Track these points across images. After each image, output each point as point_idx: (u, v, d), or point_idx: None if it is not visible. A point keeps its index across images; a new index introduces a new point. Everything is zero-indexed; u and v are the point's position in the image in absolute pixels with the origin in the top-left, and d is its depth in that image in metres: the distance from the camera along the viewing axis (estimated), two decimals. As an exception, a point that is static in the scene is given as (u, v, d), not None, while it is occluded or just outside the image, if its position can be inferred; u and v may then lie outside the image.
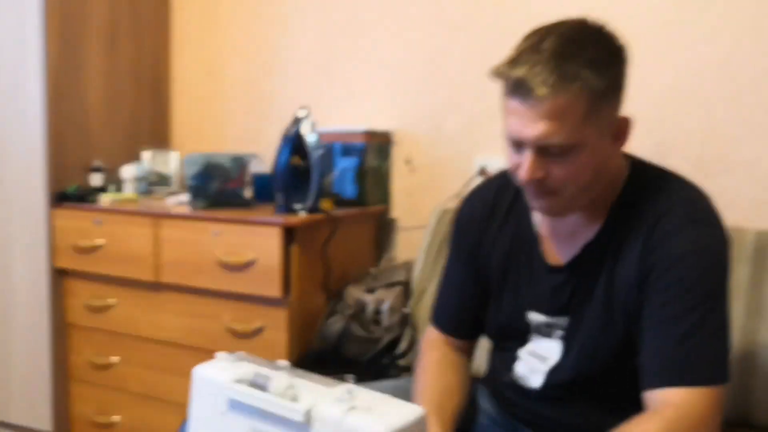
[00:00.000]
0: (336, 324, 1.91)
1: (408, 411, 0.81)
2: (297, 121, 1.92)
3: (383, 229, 2.36)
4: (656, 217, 1.06)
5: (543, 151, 1.01)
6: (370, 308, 1.95)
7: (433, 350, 1.29)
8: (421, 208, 2.28)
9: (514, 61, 1.00)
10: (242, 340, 1.92)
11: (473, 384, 1.35)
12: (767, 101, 1.81)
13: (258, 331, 1.91)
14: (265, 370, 0.86)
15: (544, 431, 1.20)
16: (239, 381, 0.85)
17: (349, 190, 2.20)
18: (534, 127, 0.99)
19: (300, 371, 0.88)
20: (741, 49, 1.84)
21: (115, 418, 2.22)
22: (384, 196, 2.32)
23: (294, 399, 0.82)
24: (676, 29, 1.91)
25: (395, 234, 2.35)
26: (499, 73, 1.03)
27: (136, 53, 2.62)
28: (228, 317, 1.95)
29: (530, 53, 0.99)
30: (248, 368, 0.87)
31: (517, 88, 0.99)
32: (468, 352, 1.33)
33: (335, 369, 1.81)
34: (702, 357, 0.99)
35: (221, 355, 0.92)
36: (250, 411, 0.85)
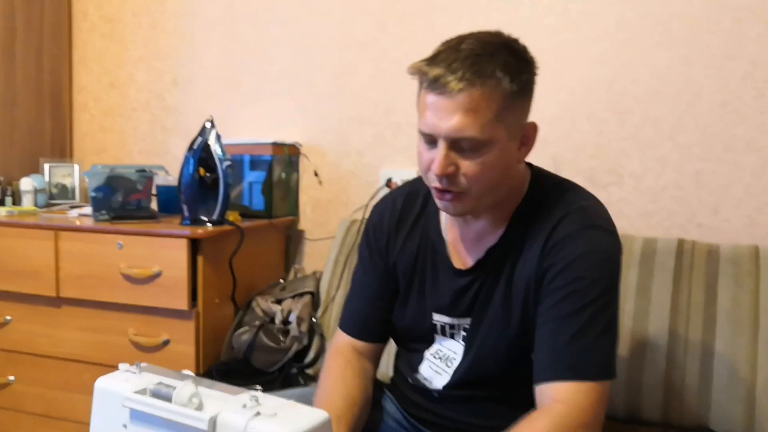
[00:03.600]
0: (244, 335, 1.90)
1: (313, 416, 0.81)
2: (203, 132, 1.91)
3: (291, 241, 2.37)
4: (555, 223, 1.11)
5: (455, 145, 1.04)
6: (279, 318, 1.96)
7: (338, 356, 1.29)
8: (329, 220, 2.31)
9: (432, 60, 1.04)
10: (148, 353, 1.89)
11: (380, 389, 1.36)
12: (652, 119, 1.94)
13: (165, 345, 1.88)
14: (168, 380, 0.85)
15: (448, 432, 1.24)
16: (141, 391, 0.84)
17: (257, 202, 2.20)
18: (449, 120, 1.02)
19: (205, 380, 0.87)
20: (628, 71, 1.96)
21: (12, 439, 2.13)
22: (292, 208, 2.34)
23: (198, 408, 0.80)
24: (570, 52, 2.02)
25: (303, 245, 2.37)
26: (417, 70, 1.06)
27: (35, 64, 2.55)
28: (133, 331, 1.91)
29: (448, 53, 1.03)
30: (151, 378, 0.86)
31: (434, 84, 1.03)
32: (375, 358, 1.33)
33: (244, 380, 1.81)
34: (591, 353, 1.04)
35: (123, 367, 0.90)
36: (154, 422, 0.83)
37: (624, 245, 1.16)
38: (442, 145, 1.04)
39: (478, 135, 1.02)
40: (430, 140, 1.07)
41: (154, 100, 2.60)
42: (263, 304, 2.00)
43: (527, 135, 1.12)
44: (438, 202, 1.13)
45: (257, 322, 1.94)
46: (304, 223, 2.37)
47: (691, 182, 1.91)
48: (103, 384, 0.88)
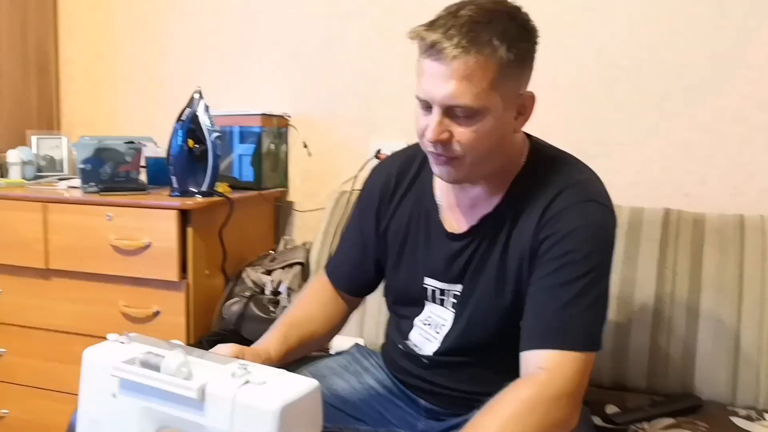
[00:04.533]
0: (234, 306, 1.91)
1: (302, 384, 0.82)
2: (192, 103, 1.89)
3: (281, 212, 2.37)
4: (552, 195, 1.11)
5: (450, 112, 1.05)
6: (269, 289, 1.96)
7: (316, 282, 1.40)
8: (319, 191, 2.31)
9: (431, 25, 1.04)
10: (139, 325, 1.90)
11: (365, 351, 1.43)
12: (640, 89, 1.94)
13: (155, 316, 1.89)
14: (157, 350, 0.85)
15: (437, 399, 1.26)
16: (130, 361, 0.84)
17: (246, 173, 2.20)
18: (444, 87, 1.02)
19: (194, 350, 0.87)
20: (616, 41, 1.96)
21: (3, 411, 2.13)
22: (282, 179, 2.33)
23: (187, 377, 0.81)
24: (558, 23, 2.01)
25: (293, 216, 2.37)
26: (416, 35, 1.05)
27: (19, 35, 2.52)
28: (123, 302, 1.92)
29: (447, 19, 1.02)
30: (140, 348, 0.86)
31: (431, 50, 1.02)
32: (352, 304, 1.39)
33: (234, 350, 1.82)
34: (579, 324, 1.04)
35: (112, 337, 0.90)
36: (143, 391, 0.83)
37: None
38: (436, 112, 1.05)
39: (472, 103, 1.02)
40: (426, 106, 1.07)
41: (141, 71, 2.58)
42: (253, 274, 2.01)
43: (525, 104, 1.12)
44: (434, 168, 1.14)
45: (247, 293, 1.95)
46: (294, 194, 2.37)
47: (678, 152, 1.92)
48: (92, 354, 0.89)
